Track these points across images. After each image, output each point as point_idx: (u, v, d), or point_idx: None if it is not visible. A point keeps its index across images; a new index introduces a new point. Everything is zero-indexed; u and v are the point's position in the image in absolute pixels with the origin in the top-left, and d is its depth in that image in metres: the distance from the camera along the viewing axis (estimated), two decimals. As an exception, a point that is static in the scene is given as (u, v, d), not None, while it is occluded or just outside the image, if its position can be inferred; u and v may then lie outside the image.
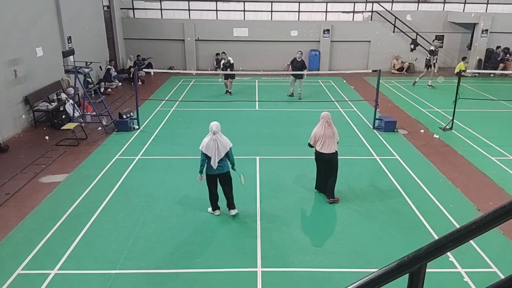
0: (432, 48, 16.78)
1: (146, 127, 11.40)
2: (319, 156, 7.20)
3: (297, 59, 14.08)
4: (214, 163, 6.38)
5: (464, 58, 16.42)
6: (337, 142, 7.20)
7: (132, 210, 6.96)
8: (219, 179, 6.66)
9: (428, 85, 16.57)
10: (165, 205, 7.15)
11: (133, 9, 19.74)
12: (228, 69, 14.41)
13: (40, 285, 5.14)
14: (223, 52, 14.40)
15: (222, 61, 14.60)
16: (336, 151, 7.13)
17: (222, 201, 6.86)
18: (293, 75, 14.24)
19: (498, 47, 19.82)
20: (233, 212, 6.81)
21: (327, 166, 7.21)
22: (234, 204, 6.81)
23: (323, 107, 13.50)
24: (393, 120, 11.23)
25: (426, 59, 16.86)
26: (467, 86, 16.05)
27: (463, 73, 12.87)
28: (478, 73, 18.64)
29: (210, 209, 6.93)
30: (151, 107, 13.07)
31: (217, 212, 6.88)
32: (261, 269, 5.51)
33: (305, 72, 14.05)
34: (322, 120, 7.14)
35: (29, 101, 11.33)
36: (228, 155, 6.53)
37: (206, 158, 6.45)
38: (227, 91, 14.98)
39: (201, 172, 6.65)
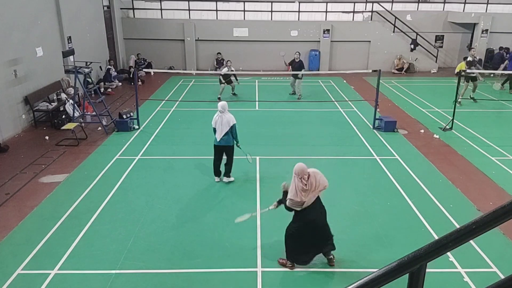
0: (470, 58, 14.15)
1: (146, 127, 11.39)
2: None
3: (296, 59, 14.37)
4: (218, 136, 7.60)
5: (465, 58, 16.37)
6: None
7: (132, 210, 6.96)
8: (224, 151, 7.81)
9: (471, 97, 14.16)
10: (165, 205, 7.15)
11: (133, 9, 19.75)
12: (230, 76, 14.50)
13: (40, 285, 5.14)
14: (223, 58, 14.14)
15: (225, 69, 14.24)
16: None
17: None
18: (292, 75, 14.75)
19: (501, 47, 19.74)
20: (225, 179, 7.97)
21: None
22: (229, 174, 7.99)
23: (323, 107, 13.53)
24: (393, 120, 11.23)
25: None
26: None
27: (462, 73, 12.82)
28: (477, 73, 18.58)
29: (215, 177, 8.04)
30: (151, 107, 13.07)
31: (217, 179, 7.98)
32: (261, 269, 5.51)
33: (302, 72, 14.39)
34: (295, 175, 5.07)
35: (29, 101, 11.32)
36: (231, 131, 7.59)
37: (214, 131, 7.70)
38: (234, 93, 14.98)
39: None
